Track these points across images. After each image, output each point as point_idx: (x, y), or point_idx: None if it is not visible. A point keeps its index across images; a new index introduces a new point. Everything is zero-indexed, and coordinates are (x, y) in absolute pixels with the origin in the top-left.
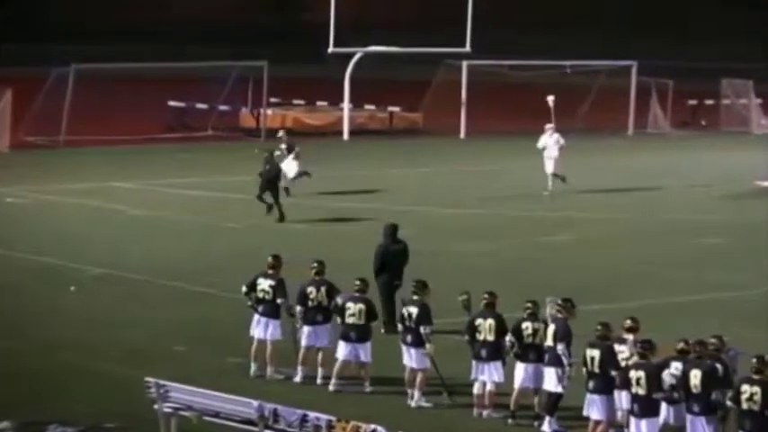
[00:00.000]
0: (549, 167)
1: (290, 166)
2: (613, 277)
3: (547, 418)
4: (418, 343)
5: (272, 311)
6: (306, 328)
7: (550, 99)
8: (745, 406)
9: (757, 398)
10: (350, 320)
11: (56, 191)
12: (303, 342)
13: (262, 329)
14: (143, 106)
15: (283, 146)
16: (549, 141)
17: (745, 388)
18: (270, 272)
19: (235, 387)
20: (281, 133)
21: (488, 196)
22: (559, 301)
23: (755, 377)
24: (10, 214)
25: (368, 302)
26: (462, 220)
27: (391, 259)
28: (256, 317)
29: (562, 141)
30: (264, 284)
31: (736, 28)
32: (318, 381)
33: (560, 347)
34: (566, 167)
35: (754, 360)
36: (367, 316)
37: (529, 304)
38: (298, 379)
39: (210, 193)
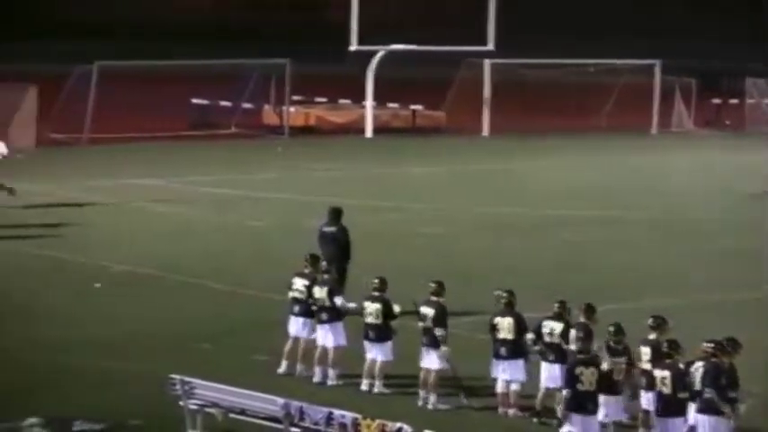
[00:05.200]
0: None
1: None
2: (635, 277)
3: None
4: (435, 344)
5: (306, 311)
6: (317, 327)
7: None
8: None
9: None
10: (368, 320)
11: (81, 188)
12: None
13: (297, 328)
14: (166, 104)
15: None
16: None
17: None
18: (305, 271)
19: (262, 385)
20: None
21: (511, 195)
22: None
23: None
24: (38, 212)
25: (385, 301)
26: (485, 218)
27: (324, 242)
28: (292, 316)
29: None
30: (299, 284)
31: (761, 28)
32: (331, 381)
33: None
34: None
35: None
36: (384, 315)
37: (556, 305)
38: (316, 379)
39: (234, 190)
